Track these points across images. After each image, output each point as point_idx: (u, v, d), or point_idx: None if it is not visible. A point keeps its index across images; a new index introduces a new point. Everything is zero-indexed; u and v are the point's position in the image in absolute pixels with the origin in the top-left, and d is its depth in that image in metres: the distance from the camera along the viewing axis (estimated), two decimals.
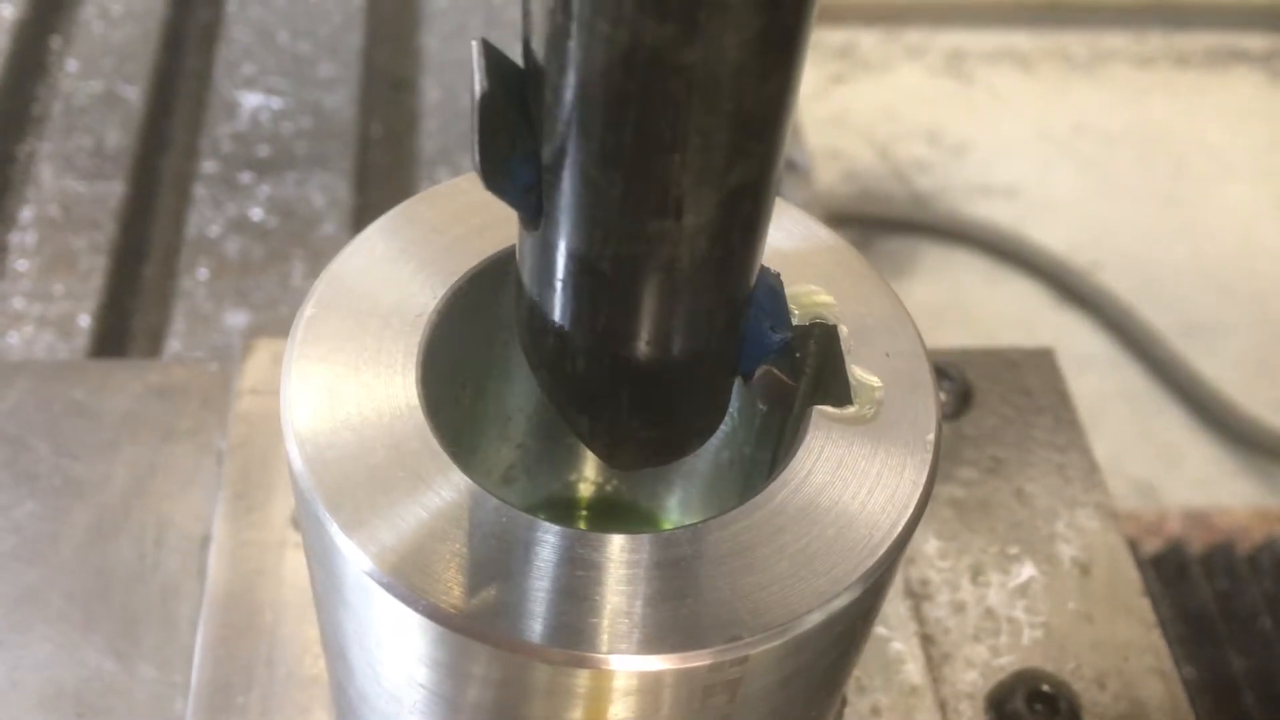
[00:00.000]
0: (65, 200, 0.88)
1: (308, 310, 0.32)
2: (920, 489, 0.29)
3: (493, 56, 0.27)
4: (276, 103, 0.97)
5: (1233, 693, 0.95)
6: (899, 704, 0.44)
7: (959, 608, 0.47)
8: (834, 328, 0.31)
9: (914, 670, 0.45)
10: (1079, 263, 1.81)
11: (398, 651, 0.29)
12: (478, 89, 0.26)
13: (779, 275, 0.30)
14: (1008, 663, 0.46)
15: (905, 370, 0.31)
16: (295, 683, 0.43)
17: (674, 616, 0.27)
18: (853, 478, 0.29)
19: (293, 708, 0.42)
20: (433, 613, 0.27)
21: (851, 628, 0.30)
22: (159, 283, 0.86)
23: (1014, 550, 0.49)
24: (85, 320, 0.80)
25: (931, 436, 0.29)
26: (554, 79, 0.25)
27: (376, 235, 0.34)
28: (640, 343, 0.28)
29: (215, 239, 0.87)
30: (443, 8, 1.07)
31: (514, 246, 0.30)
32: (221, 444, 0.50)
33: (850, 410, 0.30)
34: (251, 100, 0.96)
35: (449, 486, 0.28)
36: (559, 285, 0.28)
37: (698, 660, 0.27)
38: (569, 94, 0.24)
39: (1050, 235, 1.81)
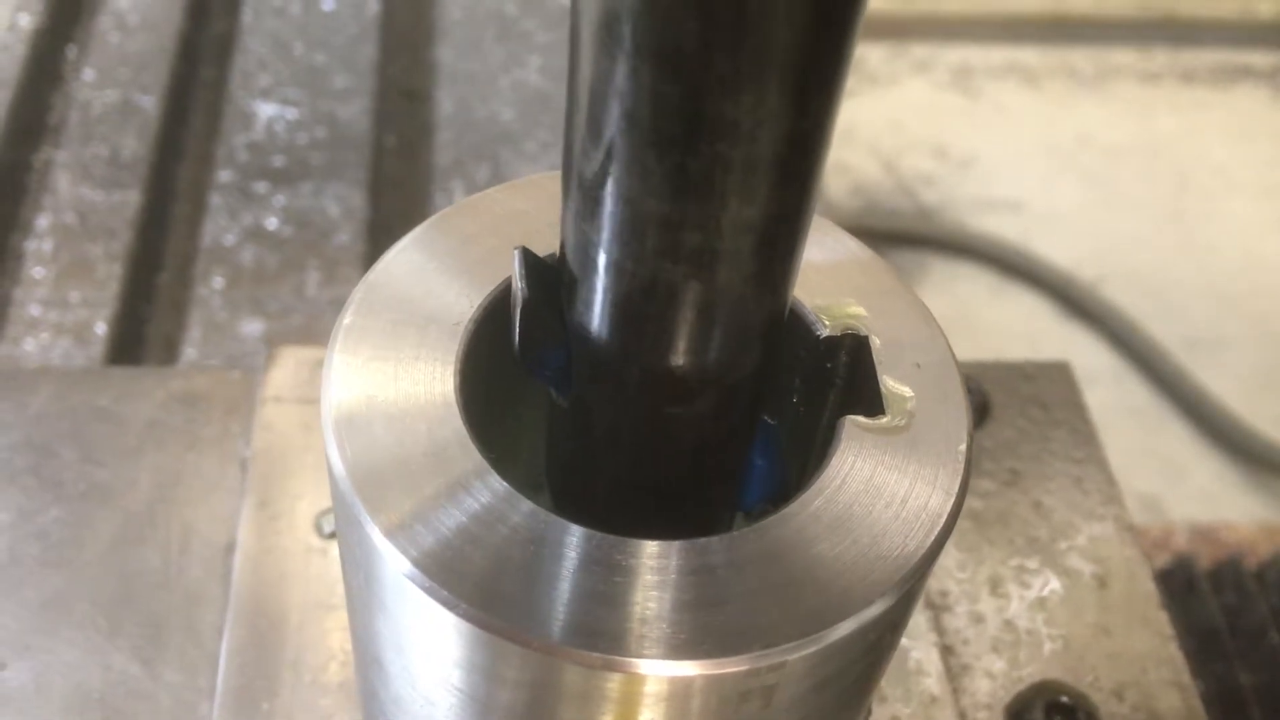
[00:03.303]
0: (82, 209, 0.89)
1: (346, 318, 0.32)
2: (953, 499, 0.29)
3: (531, 263, 0.31)
4: (292, 113, 0.97)
5: (1241, 707, 0.95)
6: (919, 714, 0.44)
7: (978, 619, 0.47)
8: (866, 339, 0.31)
9: (933, 681, 0.45)
10: (1084, 277, 1.82)
11: (433, 654, 0.30)
12: (519, 295, 0.31)
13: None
14: (1026, 674, 0.46)
15: (936, 382, 0.31)
16: (319, 689, 0.43)
17: (708, 623, 0.28)
18: (885, 487, 0.29)
19: (317, 714, 0.42)
20: (468, 615, 0.27)
21: (883, 636, 0.30)
22: (175, 291, 0.87)
23: (1032, 563, 0.49)
24: (102, 328, 0.80)
25: (963, 447, 0.30)
26: (585, 295, 0.29)
27: (412, 245, 0.34)
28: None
29: (231, 248, 0.88)
30: (457, 20, 1.07)
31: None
32: (245, 451, 0.50)
33: (883, 420, 0.30)
34: (267, 110, 0.97)
35: (486, 491, 0.28)
36: (585, 441, 0.32)
37: (732, 667, 0.27)
38: (596, 309, 0.29)
39: (1055, 249, 1.81)
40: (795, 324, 0.31)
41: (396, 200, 0.95)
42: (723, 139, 0.24)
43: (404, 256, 0.34)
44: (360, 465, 0.29)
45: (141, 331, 0.84)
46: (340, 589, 0.46)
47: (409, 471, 0.28)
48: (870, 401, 0.30)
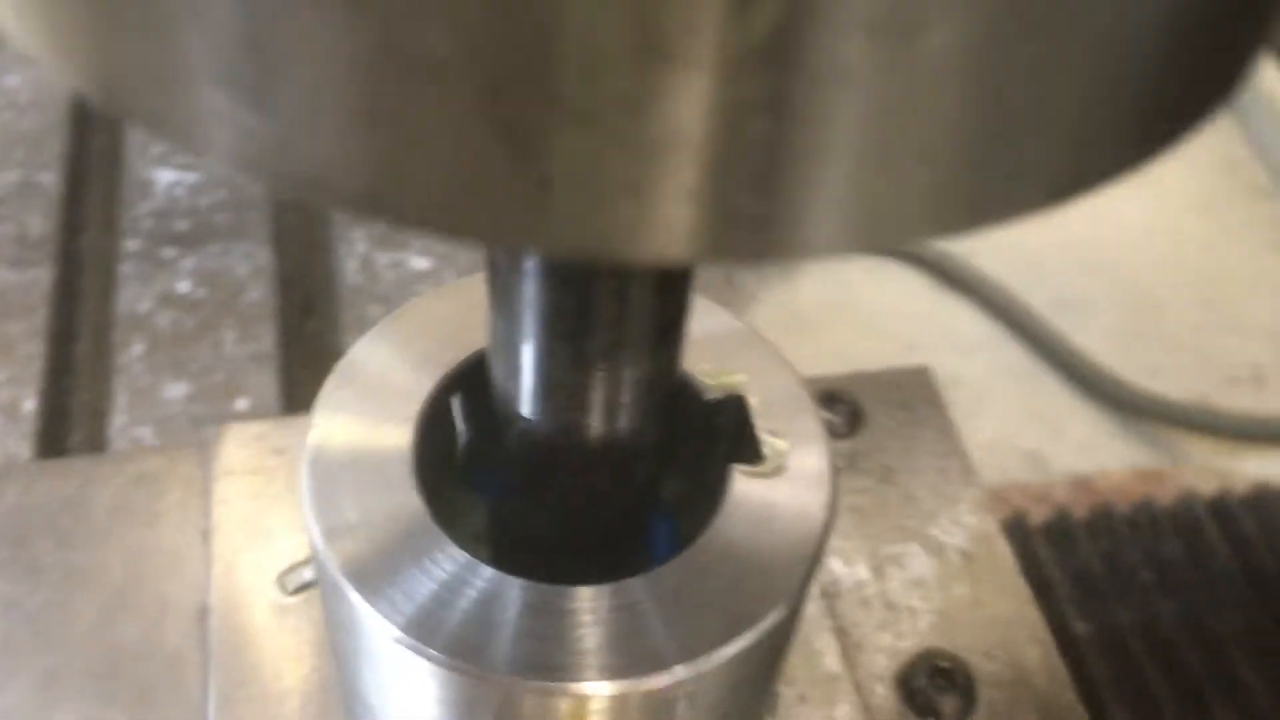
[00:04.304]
0: None
1: (320, 404, 0.38)
2: (823, 523, 0.36)
3: (469, 408, 0.39)
4: (190, 177, 1.01)
5: (1121, 643, 1.04)
6: (821, 691, 0.51)
7: (865, 602, 0.54)
8: (744, 400, 0.38)
9: (831, 660, 0.52)
10: (956, 251, 1.92)
11: (414, 693, 0.36)
12: (462, 435, 0.39)
13: None
14: (910, 645, 0.53)
15: (801, 426, 0.38)
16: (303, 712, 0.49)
17: (635, 648, 0.34)
18: (771, 519, 0.36)
19: None
20: (443, 663, 0.34)
21: (780, 637, 0.37)
22: (97, 361, 0.90)
23: (908, 547, 0.57)
24: (30, 403, 0.84)
25: (829, 479, 0.37)
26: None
27: (380, 334, 0.40)
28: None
29: (146, 314, 0.92)
30: None
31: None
32: (205, 523, 0.55)
33: (763, 467, 0.37)
34: (166, 177, 1.01)
35: (449, 561, 0.35)
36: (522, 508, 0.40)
37: (658, 682, 0.34)
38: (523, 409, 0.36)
39: None
40: (686, 392, 0.38)
41: (301, 254, 1.00)
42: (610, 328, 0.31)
43: (372, 343, 0.39)
44: (340, 548, 0.35)
45: (67, 404, 0.88)
46: (307, 640, 0.51)
47: (385, 551, 0.35)
48: (752, 452, 0.37)
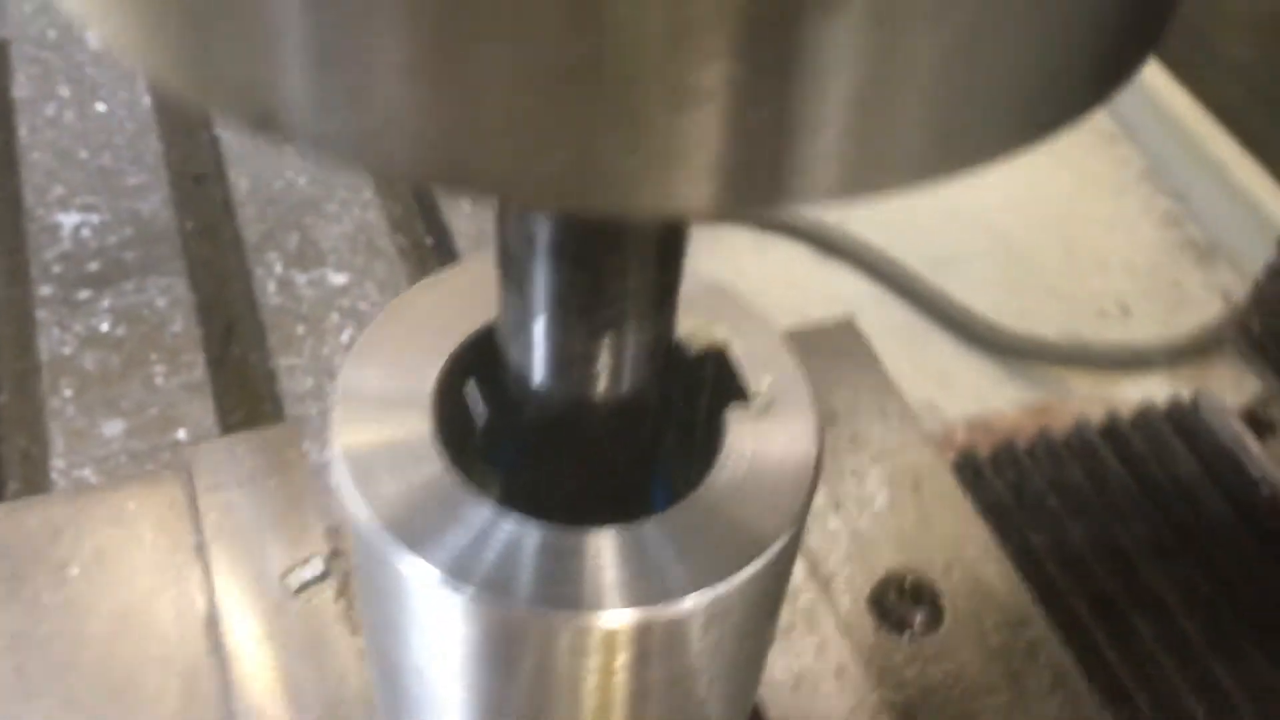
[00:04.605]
0: None
1: (340, 381, 0.41)
2: (816, 449, 0.40)
3: (487, 391, 0.42)
4: (94, 218, 1.01)
5: (1037, 564, 1.11)
6: (804, 621, 0.56)
7: (832, 536, 0.59)
8: (726, 347, 0.42)
9: (810, 594, 0.57)
10: (833, 220, 1.99)
11: (451, 641, 0.39)
12: (479, 418, 0.42)
13: None
14: (877, 570, 0.58)
15: (781, 368, 0.42)
16: (326, 710, 0.51)
17: (657, 579, 0.38)
18: (768, 454, 0.40)
19: None
20: (478, 601, 0.37)
21: (787, 562, 0.41)
22: (26, 408, 0.90)
23: (862, 483, 0.61)
24: None
25: (814, 410, 0.41)
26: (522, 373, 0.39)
27: (396, 310, 0.43)
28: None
29: (70, 357, 0.92)
30: None
31: None
32: (196, 538, 0.57)
33: (753, 407, 0.41)
34: (70, 220, 1.01)
35: (481, 513, 0.38)
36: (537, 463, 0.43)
37: (679, 609, 0.37)
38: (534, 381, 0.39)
39: None
40: (674, 350, 0.42)
41: (216, 282, 1.00)
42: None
43: (381, 328, 0.42)
44: (383, 513, 0.37)
45: (5, 452, 0.88)
46: (318, 634, 0.54)
47: (418, 509, 0.38)
48: (739, 394, 0.41)
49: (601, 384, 0.39)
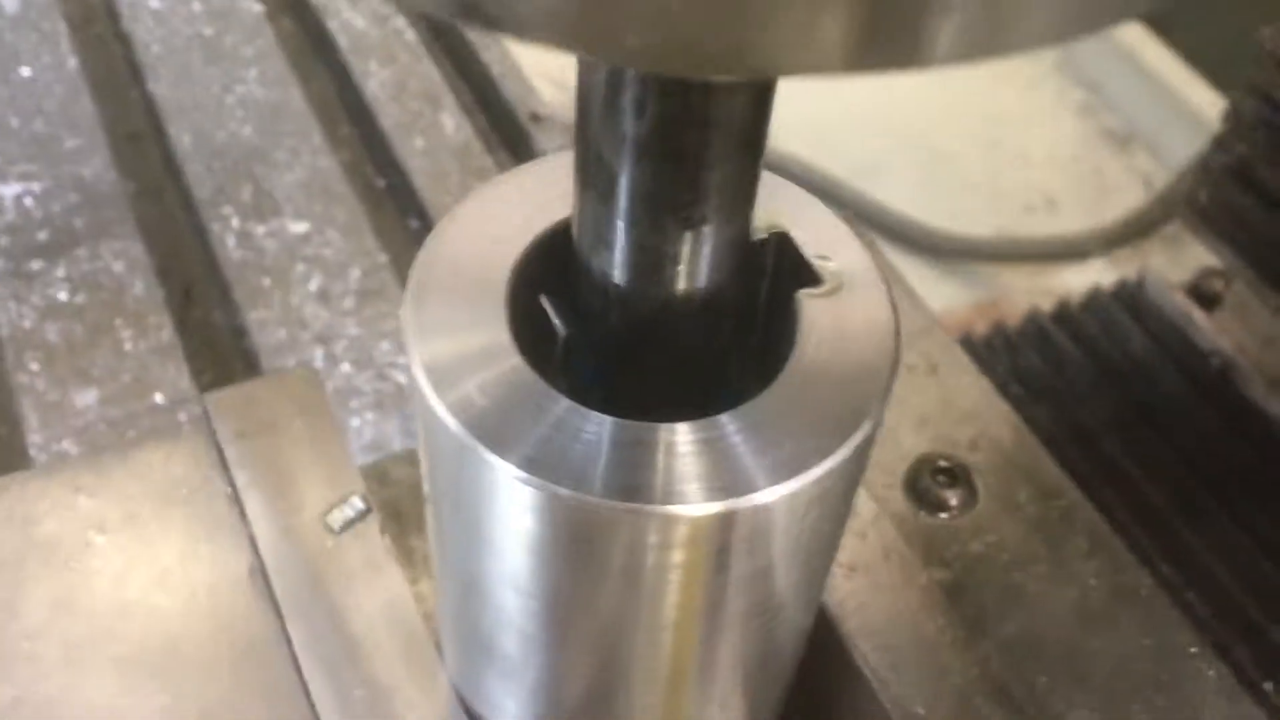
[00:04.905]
0: None
1: (410, 290, 0.40)
2: (893, 328, 0.40)
3: (559, 306, 0.41)
4: (36, 186, 0.97)
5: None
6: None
7: None
8: (787, 232, 0.42)
9: None
10: None
11: (524, 538, 0.39)
12: (559, 331, 0.41)
13: None
14: (909, 453, 0.59)
15: (846, 248, 0.42)
16: (393, 643, 0.51)
17: (741, 472, 0.38)
18: (845, 338, 0.40)
19: (410, 666, 0.50)
20: (562, 497, 0.36)
21: (867, 453, 0.41)
22: None
23: None
24: None
25: (886, 287, 0.41)
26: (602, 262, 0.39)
27: (459, 218, 0.42)
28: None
29: (33, 330, 0.89)
30: (159, 55, 1.09)
31: None
32: (227, 488, 0.56)
33: (824, 289, 0.41)
34: (10, 191, 0.97)
35: (558, 408, 0.37)
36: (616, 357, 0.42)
37: (758, 501, 0.37)
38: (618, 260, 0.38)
39: None
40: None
41: (174, 241, 0.98)
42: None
43: (453, 227, 0.41)
44: (463, 416, 0.37)
45: None
46: (367, 569, 0.53)
47: (497, 407, 0.37)
48: (808, 276, 0.41)
49: (684, 282, 0.38)
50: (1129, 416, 1.02)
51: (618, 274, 0.38)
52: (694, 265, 0.38)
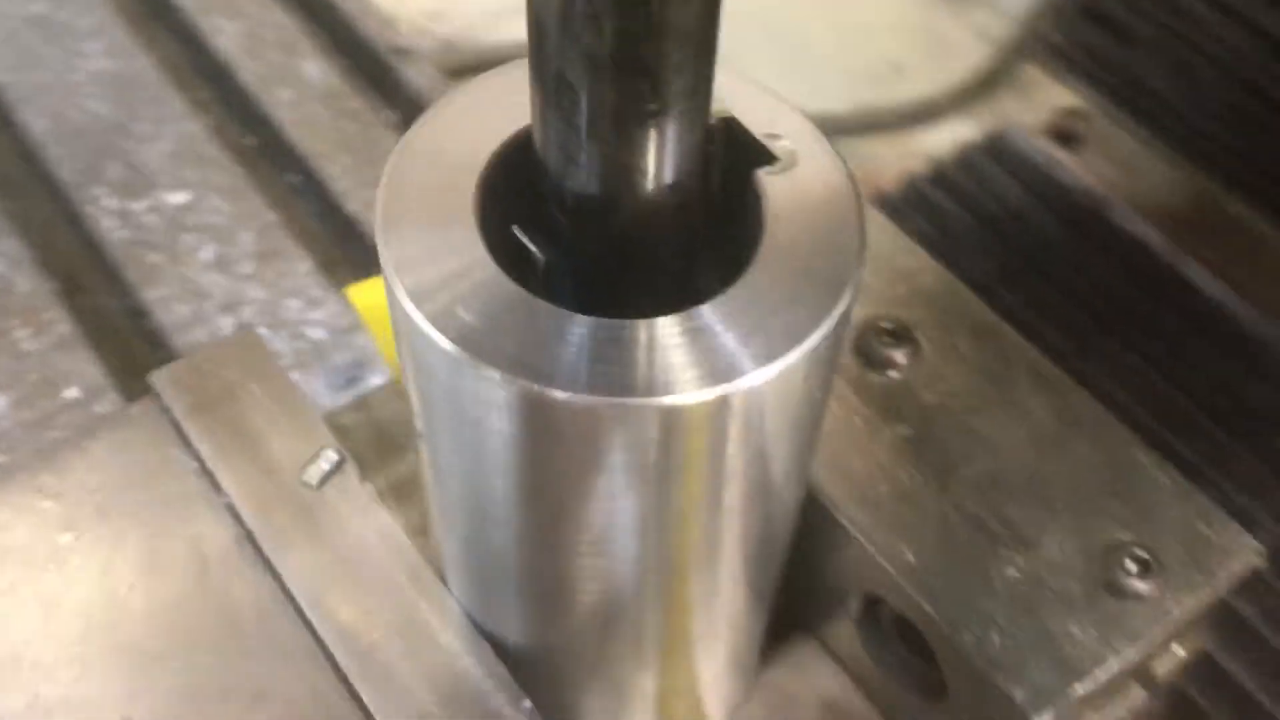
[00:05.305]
0: None
1: (379, 205, 0.40)
2: (856, 197, 0.41)
3: (532, 231, 0.41)
4: None
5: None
6: None
7: None
8: (733, 116, 0.42)
9: None
10: None
11: (534, 443, 0.40)
12: (538, 260, 0.41)
13: None
14: (855, 319, 0.61)
15: (792, 126, 0.43)
16: (399, 577, 0.51)
17: (722, 358, 0.38)
18: (812, 221, 0.41)
19: (422, 595, 0.51)
20: (571, 403, 0.37)
21: (846, 325, 0.42)
22: None
23: None
24: None
25: (839, 158, 0.42)
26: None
27: (423, 130, 0.42)
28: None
29: None
30: None
31: None
32: (194, 464, 0.55)
33: (779, 165, 0.42)
34: None
35: (544, 315, 0.38)
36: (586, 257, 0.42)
37: (753, 382, 0.38)
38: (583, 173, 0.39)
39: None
40: None
41: (49, 231, 0.94)
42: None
43: (410, 152, 0.41)
44: (455, 333, 0.37)
45: None
46: (360, 514, 0.53)
47: (490, 322, 0.38)
48: (761, 156, 0.42)
49: (652, 185, 0.39)
50: (1017, 266, 1.05)
51: (585, 187, 0.39)
52: (660, 169, 0.38)
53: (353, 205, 0.96)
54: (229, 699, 0.49)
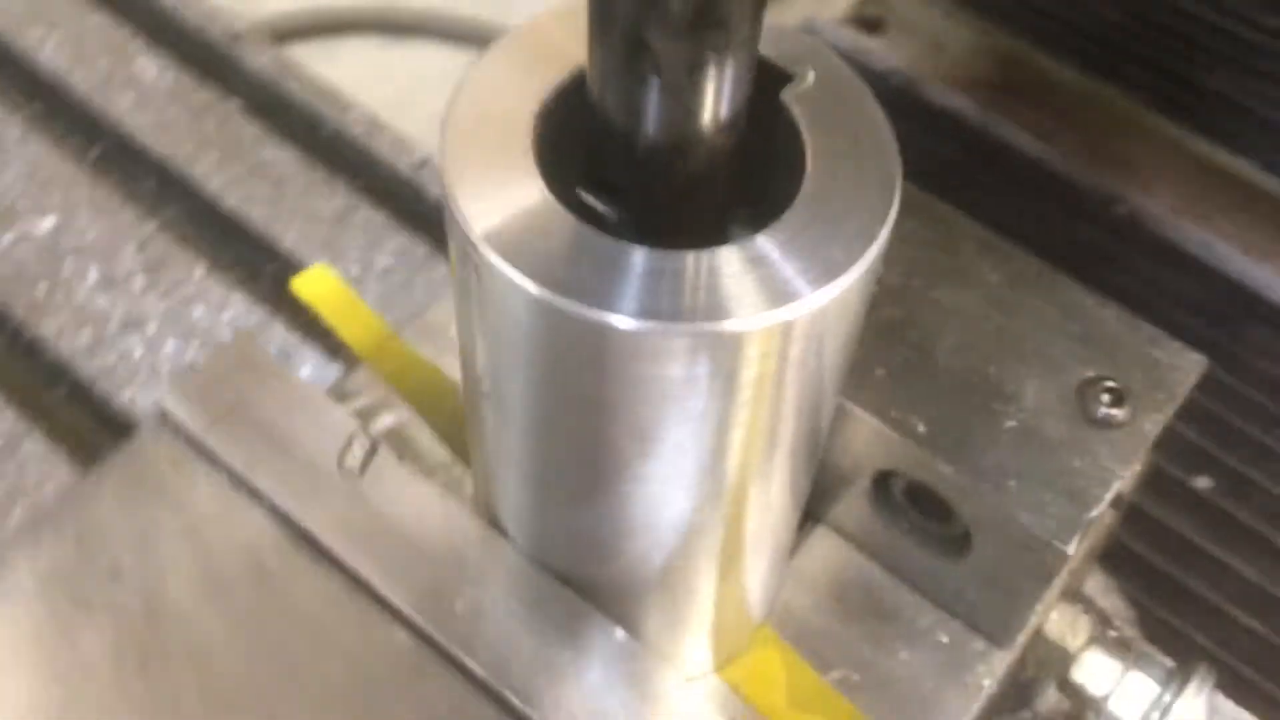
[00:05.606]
0: None
1: (445, 147, 0.41)
2: (886, 119, 0.44)
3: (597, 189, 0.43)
4: None
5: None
6: None
7: None
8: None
9: None
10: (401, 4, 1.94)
11: (604, 375, 0.41)
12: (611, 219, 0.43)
13: None
14: None
15: (806, 51, 0.45)
16: (460, 544, 0.53)
17: (786, 281, 0.40)
18: (853, 138, 0.43)
19: (485, 552, 0.52)
20: (626, 324, 0.39)
21: (880, 265, 0.43)
22: None
23: None
24: None
25: (860, 81, 0.44)
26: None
27: (481, 69, 0.43)
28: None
29: None
30: None
31: None
32: (227, 476, 0.55)
33: (802, 83, 0.44)
34: None
35: (600, 247, 0.40)
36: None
37: (807, 307, 0.40)
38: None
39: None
40: None
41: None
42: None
43: (480, 75, 0.43)
44: (503, 250, 0.39)
45: None
46: (407, 491, 0.54)
47: (542, 247, 0.39)
48: (779, 78, 0.44)
49: (710, 121, 0.40)
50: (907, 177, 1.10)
51: (653, 138, 0.40)
52: (723, 110, 0.40)
53: (231, 200, 0.94)
54: (332, 698, 0.50)
